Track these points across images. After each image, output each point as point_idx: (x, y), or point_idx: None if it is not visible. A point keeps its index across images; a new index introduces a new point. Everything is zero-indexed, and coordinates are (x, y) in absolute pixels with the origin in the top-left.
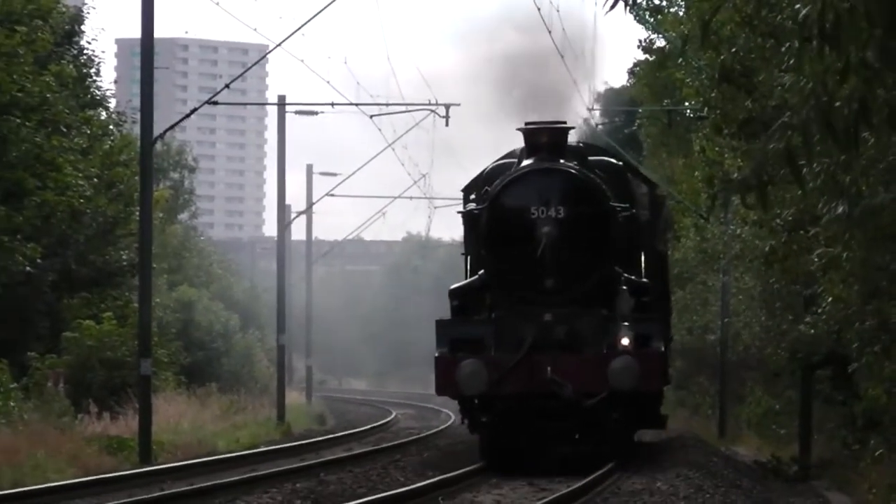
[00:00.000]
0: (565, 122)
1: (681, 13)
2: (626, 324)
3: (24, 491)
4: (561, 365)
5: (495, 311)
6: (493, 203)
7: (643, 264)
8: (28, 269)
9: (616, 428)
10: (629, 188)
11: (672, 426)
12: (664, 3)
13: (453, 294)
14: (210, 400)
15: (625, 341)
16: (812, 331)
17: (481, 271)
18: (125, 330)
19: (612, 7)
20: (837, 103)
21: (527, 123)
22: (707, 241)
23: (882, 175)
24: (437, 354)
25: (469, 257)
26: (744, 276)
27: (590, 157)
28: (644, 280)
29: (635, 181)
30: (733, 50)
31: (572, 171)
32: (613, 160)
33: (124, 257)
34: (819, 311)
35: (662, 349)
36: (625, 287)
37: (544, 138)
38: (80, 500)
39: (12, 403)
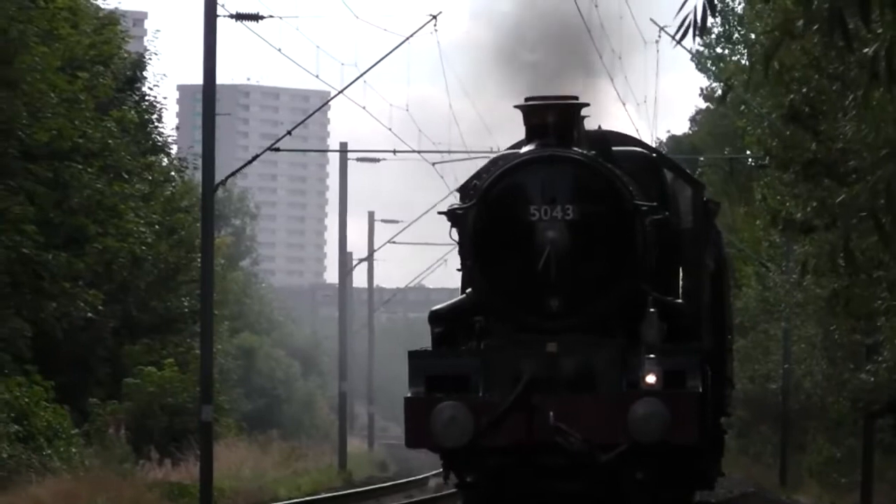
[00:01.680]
0: (577, 98)
1: (743, 61)
2: (653, 356)
3: None
4: (568, 409)
5: (485, 339)
6: (481, 200)
7: (681, 282)
8: (89, 315)
9: (640, 490)
10: (664, 186)
11: (733, 475)
12: (726, 52)
13: (435, 318)
14: (271, 447)
15: (650, 379)
16: (872, 379)
17: (469, 290)
18: (186, 376)
19: (682, 38)
20: None
21: (527, 99)
22: (769, 289)
23: None
24: (408, 395)
25: (462, 272)
26: (805, 324)
27: (615, 148)
28: (678, 301)
29: (675, 180)
30: (804, 90)
31: (585, 159)
32: (645, 151)
33: (185, 304)
34: (880, 359)
35: (700, 389)
36: (653, 309)
37: (550, 118)
38: None
39: (73, 449)
